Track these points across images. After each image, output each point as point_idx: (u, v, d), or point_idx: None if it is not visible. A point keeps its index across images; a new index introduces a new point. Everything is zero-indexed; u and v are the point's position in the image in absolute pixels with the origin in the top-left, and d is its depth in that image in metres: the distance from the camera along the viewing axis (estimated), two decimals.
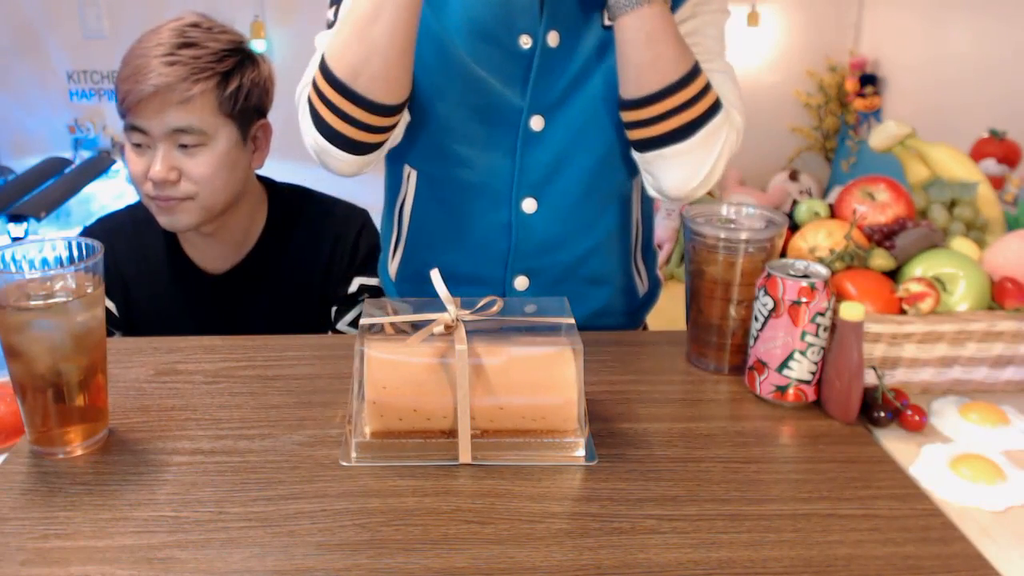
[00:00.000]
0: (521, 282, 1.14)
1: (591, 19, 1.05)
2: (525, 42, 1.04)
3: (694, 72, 1.01)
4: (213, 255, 1.32)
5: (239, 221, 1.30)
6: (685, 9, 1.06)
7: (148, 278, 1.33)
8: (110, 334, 1.32)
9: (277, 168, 1.37)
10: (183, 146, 1.20)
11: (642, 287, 1.25)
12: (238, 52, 1.24)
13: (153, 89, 1.16)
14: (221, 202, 1.25)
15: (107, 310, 1.32)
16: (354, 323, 1.33)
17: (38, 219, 2.78)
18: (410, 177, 1.16)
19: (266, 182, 1.36)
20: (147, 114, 1.18)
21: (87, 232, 1.37)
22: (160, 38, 1.19)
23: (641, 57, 1.00)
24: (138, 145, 1.22)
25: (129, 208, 1.43)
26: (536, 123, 1.08)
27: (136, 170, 1.23)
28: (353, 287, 1.34)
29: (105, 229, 1.36)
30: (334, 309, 1.35)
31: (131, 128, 1.21)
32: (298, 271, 1.33)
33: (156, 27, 1.22)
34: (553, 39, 1.04)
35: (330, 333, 1.35)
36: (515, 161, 1.09)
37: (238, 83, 1.22)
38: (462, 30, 1.05)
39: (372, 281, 1.34)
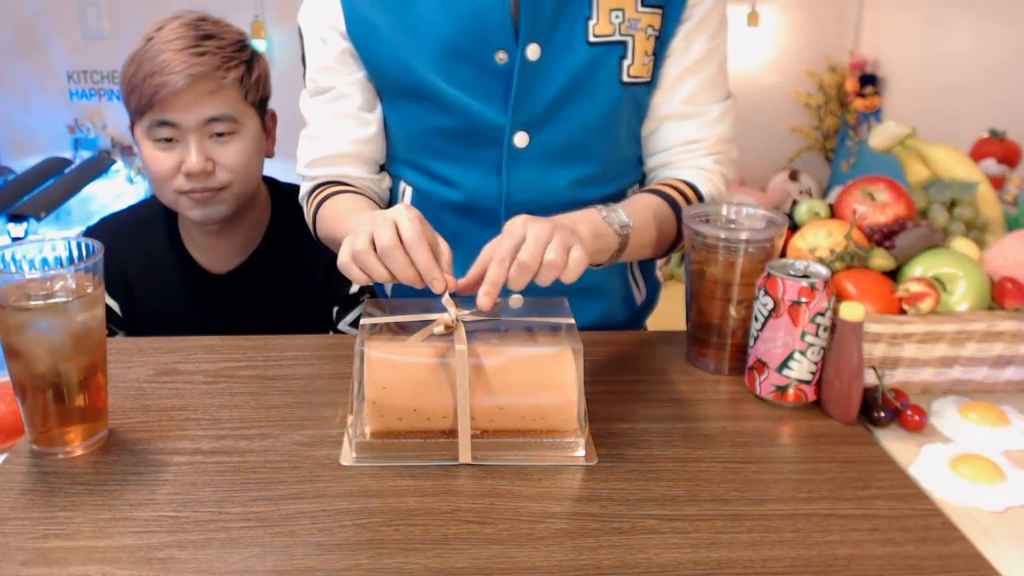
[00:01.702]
0: (515, 300, 1.14)
1: (574, 33, 1.04)
2: (501, 58, 1.03)
3: (678, 228, 1.08)
4: (217, 255, 1.32)
5: (246, 220, 1.31)
6: (686, 39, 1.08)
7: (152, 278, 1.33)
8: (113, 334, 1.32)
9: (277, 168, 1.37)
10: (215, 136, 1.21)
11: (640, 296, 1.25)
12: (248, 44, 1.27)
13: (189, 80, 1.16)
14: (249, 190, 1.28)
15: (110, 310, 1.32)
16: (355, 323, 1.34)
17: (38, 219, 2.79)
18: (405, 193, 1.16)
19: (269, 182, 1.36)
20: (179, 106, 1.18)
21: (90, 232, 1.37)
22: (174, 34, 1.19)
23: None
24: (167, 140, 1.21)
25: (131, 208, 1.43)
26: (520, 139, 1.07)
27: (163, 167, 1.22)
28: (354, 287, 1.34)
29: (108, 229, 1.36)
30: (335, 309, 1.35)
31: (158, 124, 1.20)
32: (301, 271, 1.34)
33: (157, 26, 1.21)
34: (533, 52, 1.03)
35: (331, 333, 1.35)
36: (501, 179, 1.08)
37: (258, 72, 1.25)
38: (434, 52, 1.04)
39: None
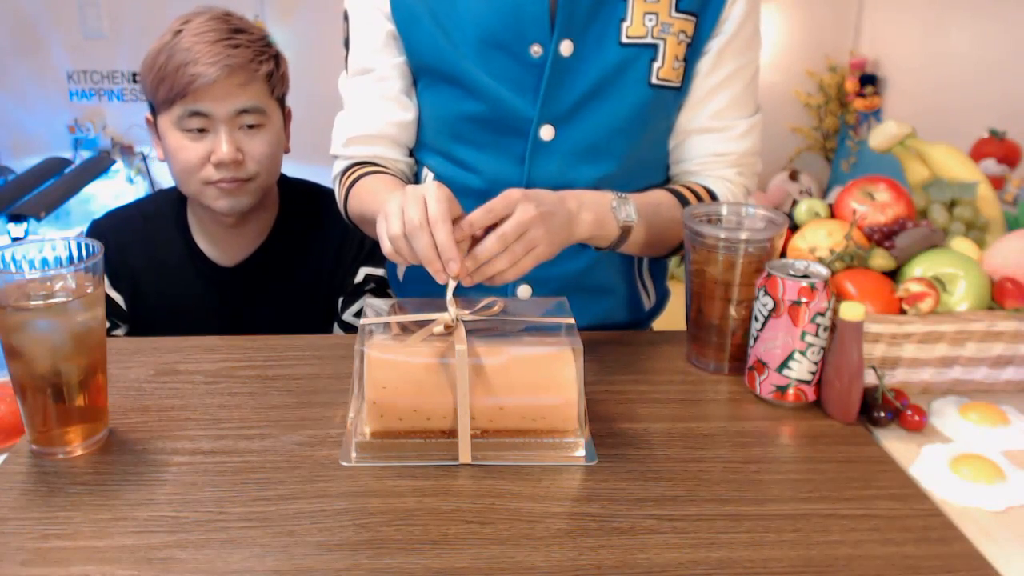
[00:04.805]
0: (524, 291, 1.15)
1: (607, 33, 1.05)
2: (536, 51, 1.04)
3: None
4: (228, 247, 1.33)
5: (259, 212, 1.32)
6: (717, 55, 1.09)
7: (159, 270, 1.34)
8: (115, 327, 1.33)
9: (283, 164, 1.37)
10: (245, 128, 1.23)
11: (648, 301, 1.25)
12: (272, 41, 1.29)
13: (225, 71, 1.18)
14: (272, 183, 1.31)
15: (114, 303, 1.33)
16: (359, 314, 1.34)
17: (38, 219, 2.78)
18: (427, 179, 1.18)
19: (278, 177, 1.37)
20: (212, 97, 1.20)
21: (95, 225, 1.38)
22: (205, 26, 1.21)
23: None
24: (199, 130, 1.22)
25: (137, 203, 1.44)
26: (546, 132, 1.08)
27: (192, 156, 1.23)
28: (359, 277, 1.35)
29: (114, 223, 1.37)
30: (340, 300, 1.36)
31: (190, 114, 1.21)
32: (308, 262, 1.35)
33: (184, 20, 1.23)
34: (566, 48, 1.04)
35: (336, 324, 1.36)
36: (523, 169, 1.09)
37: (283, 68, 1.29)
38: (471, 40, 1.06)
39: (378, 271, 1.36)
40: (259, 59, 1.22)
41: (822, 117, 3.34)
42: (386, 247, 0.88)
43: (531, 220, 0.88)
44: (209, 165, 1.23)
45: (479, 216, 0.87)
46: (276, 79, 1.26)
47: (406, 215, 0.85)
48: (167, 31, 1.23)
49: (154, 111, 1.27)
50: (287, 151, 1.33)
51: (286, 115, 1.33)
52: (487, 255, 0.87)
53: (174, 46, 1.20)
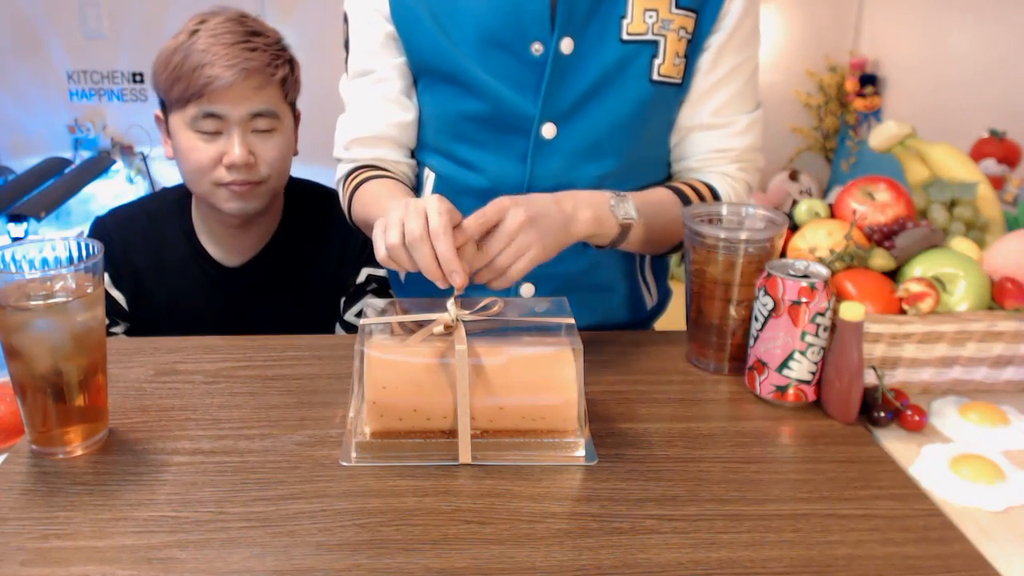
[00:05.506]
0: (527, 289, 1.15)
1: (607, 30, 1.05)
2: (537, 49, 1.05)
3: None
4: (233, 248, 1.34)
5: (264, 213, 1.32)
6: (717, 52, 1.09)
7: (163, 269, 1.34)
8: (115, 325, 1.33)
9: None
10: (257, 131, 1.23)
11: (650, 299, 1.25)
12: (287, 45, 1.29)
13: (242, 75, 1.18)
14: (282, 185, 1.31)
15: (116, 302, 1.33)
16: (361, 314, 1.34)
17: (38, 219, 2.78)
18: (428, 180, 1.18)
19: None
20: (227, 99, 1.20)
21: (99, 223, 1.38)
22: (222, 28, 1.21)
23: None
24: (214, 132, 1.22)
25: (140, 201, 1.44)
26: (548, 131, 1.08)
27: (204, 157, 1.23)
28: (361, 277, 1.35)
29: (118, 221, 1.37)
30: (343, 300, 1.36)
31: (205, 116, 1.21)
32: (312, 263, 1.35)
33: (200, 19, 1.23)
34: (567, 46, 1.04)
35: (338, 324, 1.36)
36: (525, 168, 1.10)
37: (296, 73, 1.29)
38: (472, 39, 1.06)
39: (380, 272, 1.36)
40: (275, 63, 1.22)
41: (822, 117, 3.34)
42: (381, 255, 0.88)
43: (519, 226, 0.89)
44: (221, 167, 1.23)
45: (472, 223, 0.88)
46: (290, 83, 1.27)
47: (406, 226, 0.85)
48: (182, 30, 1.22)
49: (165, 108, 1.27)
50: (295, 154, 1.34)
51: (295, 118, 1.33)
52: (473, 267, 0.89)
53: (190, 46, 1.19)
